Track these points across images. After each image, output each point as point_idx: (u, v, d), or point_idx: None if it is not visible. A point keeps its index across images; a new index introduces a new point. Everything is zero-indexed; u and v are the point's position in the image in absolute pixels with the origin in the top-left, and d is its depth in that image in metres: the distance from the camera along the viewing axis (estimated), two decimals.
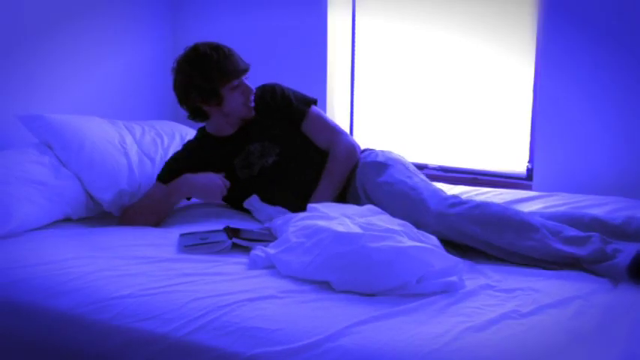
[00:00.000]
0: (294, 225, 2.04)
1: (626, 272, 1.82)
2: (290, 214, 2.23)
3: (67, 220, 2.45)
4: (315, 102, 2.64)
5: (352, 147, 2.55)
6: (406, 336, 1.51)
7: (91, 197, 2.51)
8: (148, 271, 1.91)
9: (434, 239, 1.97)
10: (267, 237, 2.16)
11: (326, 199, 2.40)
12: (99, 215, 2.55)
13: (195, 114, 2.55)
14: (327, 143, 2.56)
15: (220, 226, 2.27)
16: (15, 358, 1.84)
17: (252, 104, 2.54)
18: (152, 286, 1.81)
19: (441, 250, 1.89)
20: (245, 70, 2.52)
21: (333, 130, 2.59)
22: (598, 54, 2.77)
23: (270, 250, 1.98)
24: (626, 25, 2.71)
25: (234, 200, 2.53)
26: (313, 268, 1.82)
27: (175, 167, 2.54)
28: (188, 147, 2.62)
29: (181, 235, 2.21)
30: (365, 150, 2.62)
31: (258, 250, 2.00)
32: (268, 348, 1.52)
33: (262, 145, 2.52)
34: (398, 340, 1.50)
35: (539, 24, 2.95)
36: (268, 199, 2.47)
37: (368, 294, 1.73)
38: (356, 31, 3.40)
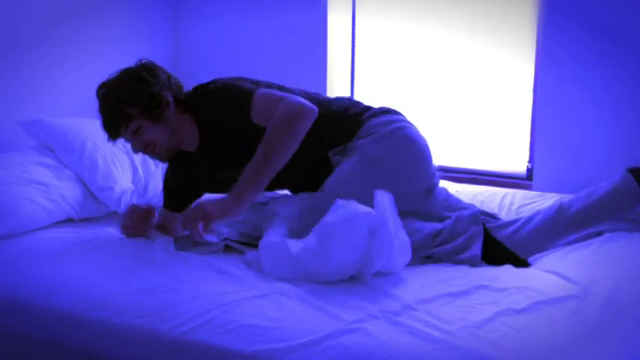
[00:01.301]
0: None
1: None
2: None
3: (69, 220, 2.45)
4: (252, 92, 2.14)
5: (294, 109, 2.05)
6: (405, 334, 1.51)
7: (95, 198, 2.51)
8: (147, 270, 1.91)
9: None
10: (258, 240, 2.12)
11: (254, 185, 2.02)
12: (102, 216, 2.55)
13: None
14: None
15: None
16: (15, 357, 1.84)
17: (155, 157, 2.24)
18: (152, 285, 1.81)
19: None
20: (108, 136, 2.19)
21: (280, 100, 2.09)
22: (598, 54, 2.77)
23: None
24: (627, 25, 2.71)
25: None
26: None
27: (172, 187, 2.36)
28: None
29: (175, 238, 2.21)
30: (389, 112, 2.28)
31: (250, 256, 2.00)
32: (268, 345, 1.52)
33: (229, 176, 2.21)
34: (396, 338, 1.50)
35: (539, 24, 2.95)
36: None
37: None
38: (356, 31, 3.40)
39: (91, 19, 3.12)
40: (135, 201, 2.53)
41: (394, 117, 2.26)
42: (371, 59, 3.41)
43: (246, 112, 2.12)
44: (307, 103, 2.09)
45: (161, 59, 3.49)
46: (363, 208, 1.83)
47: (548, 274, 1.87)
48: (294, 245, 1.86)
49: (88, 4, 3.11)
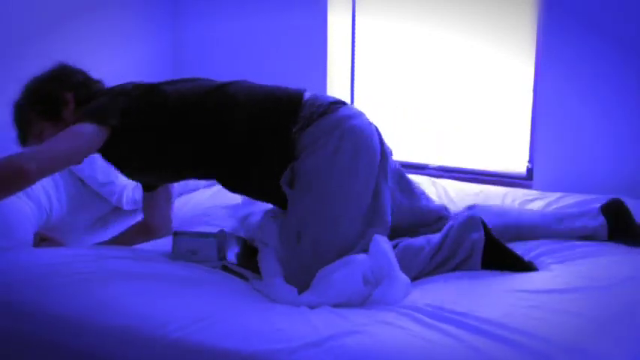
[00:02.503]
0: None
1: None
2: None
3: None
4: (85, 119, 2.00)
5: (16, 168, 1.84)
6: (408, 336, 1.52)
7: (96, 195, 2.51)
8: (148, 272, 1.90)
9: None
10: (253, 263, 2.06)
11: None
12: (103, 216, 2.55)
13: None
14: None
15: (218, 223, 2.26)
16: (15, 359, 1.84)
17: None
18: (153, 287, 1.81)
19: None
20: None
21: (46, 148, 1.96)
22: (598, 53, 2.77)
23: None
24: (626, 24, 2.71)
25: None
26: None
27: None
28: None
29: (175, 233, 2.12)
30: (330, 110, 2.05)
31: (259, 285, 1.92)
32: (268, 346, 1.52)
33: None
34: (400, 339, 1.50)
35: (539, 24, 2.95)
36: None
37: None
38: (356, 31, 3.40)
39: (91, 19, 3.12)
40: (137, 195, 2.53)
41: (339, 115, 2.05)
42: (371, 59, 3.41)
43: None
44: (31, 171, 1.85)
45: (161, 59, 3.50)
46: (359, 257, 1.83)
47: (549, 274, 1.87)
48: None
49: (89, 4, 3.11)
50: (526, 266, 1.92)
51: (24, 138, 2.13)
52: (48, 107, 2.10)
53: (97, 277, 1.87)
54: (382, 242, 1.88)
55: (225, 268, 2.00)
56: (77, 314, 1.75)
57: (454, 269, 1.95)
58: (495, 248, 1.94)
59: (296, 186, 1.99)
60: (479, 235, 1.94)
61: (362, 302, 1.76)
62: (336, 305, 1.73)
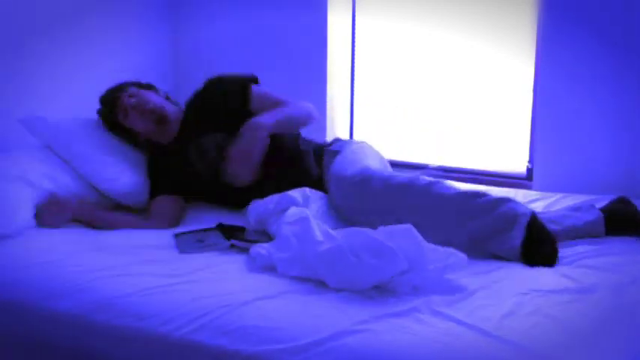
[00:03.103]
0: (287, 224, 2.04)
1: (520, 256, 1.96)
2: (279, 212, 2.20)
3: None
4: (254, 80, 2.59)
5: (312, 109, 2.55)
6: (410, 335, 1.51)
7: (98, 191, 2.51)
8: (148, 271, 1.91)
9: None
10: (263, 237, 2.15)
11: (265, 122, 2.38)
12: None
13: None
14: None
15: (212, 224, 2.28)
16: (15, 358, 1.84)
17: (142, 118, 2.55)
18: (153, 286, 1.81)
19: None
20: None
21: (278, 100, 2.53)
22: (598, 53, 2.77)
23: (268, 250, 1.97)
24: (626, 25, 2.71)
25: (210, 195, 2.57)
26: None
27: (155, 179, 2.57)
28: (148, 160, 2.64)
29: (176, 235, 2.20)
30: (335, 141, 2.67)
31: (260, 248, 1.98)
32: (269, 346, 1.51)
33: (214, 138, 2.49)
34: (401, 339, 1.50)
35: (539, 24, 2.95)
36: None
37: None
38: (356, 31, 3.40)
39: (90, 21, 3.11)
40: (140, 189, 2.54)
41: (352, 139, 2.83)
42: (371, 59, 3.41)
43: (245, 96, 2.51)
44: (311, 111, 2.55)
45: (161, 61, 3.50)
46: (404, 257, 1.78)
47: (552, 274, 1.87)
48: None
49: (88, 6, 3.10)
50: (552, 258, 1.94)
51: (114, 99, 2.59)
52: (146, 85, 2.67)
53: (97, 275, 1.88)
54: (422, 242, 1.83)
55: (233, 248, 2.09)
56: (77, 313, 1.75)
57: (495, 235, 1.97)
58: (537, 231, 1.97)
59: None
60: (524, 212, 2.00)
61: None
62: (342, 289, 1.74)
